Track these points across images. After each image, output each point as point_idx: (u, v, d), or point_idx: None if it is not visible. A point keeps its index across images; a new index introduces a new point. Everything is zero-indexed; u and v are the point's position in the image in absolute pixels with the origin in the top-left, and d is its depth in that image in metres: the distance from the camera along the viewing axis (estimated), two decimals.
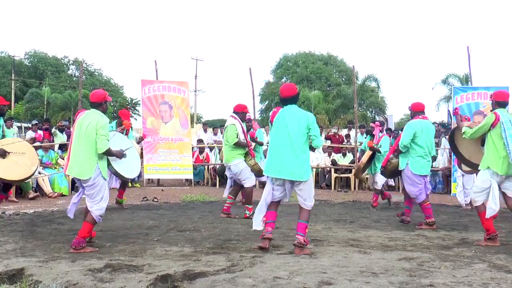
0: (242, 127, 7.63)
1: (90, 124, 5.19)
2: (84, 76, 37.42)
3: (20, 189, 10.58)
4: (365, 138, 10.47)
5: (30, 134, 13.50)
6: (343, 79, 43.86)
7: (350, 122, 16.58)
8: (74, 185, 11.75)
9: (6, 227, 6.65)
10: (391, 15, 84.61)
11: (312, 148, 5.32)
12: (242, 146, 7.56)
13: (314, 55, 45.70)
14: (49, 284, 3.83)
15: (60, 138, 13.40)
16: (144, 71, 66.95)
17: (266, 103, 42.77)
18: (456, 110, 6.74)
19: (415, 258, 4.77)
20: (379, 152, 8.64)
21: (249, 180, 7.59)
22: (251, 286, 3.74)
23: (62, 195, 10.95)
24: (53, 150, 12.25)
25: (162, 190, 11.84)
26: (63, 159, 12.36)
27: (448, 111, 19.03)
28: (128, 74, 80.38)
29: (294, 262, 4.57)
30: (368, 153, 8.71)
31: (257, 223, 5.26)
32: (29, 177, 6.82)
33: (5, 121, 14.67)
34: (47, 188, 10.84)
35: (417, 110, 7.11)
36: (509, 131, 5.39)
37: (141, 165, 6.47)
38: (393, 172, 7.55)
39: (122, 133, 7.39)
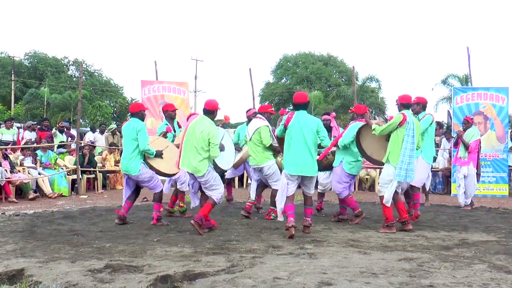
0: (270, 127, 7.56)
1: (203, 131, 6.16)
2: (84, 77, 37.38)
3: (20, 189, 10.58)
4: None
5: (29, 134, 13.51)
6: (343, 79, 43.83)
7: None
8: (74, 185, 11.77)
9: (6, 227, 6.65)
10: (391, 15, 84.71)
11: (320, 147, 6.35)
12: (274, 148, 7.42)
13: (314, 56, 45.65)
14: (49, 284, 3.84)
15: (60, 138, 13.41)
16: (144, 72, 66.79)
17: (266, 103, 42.81)
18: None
19: (415, 259, 4.77)
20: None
21: (279, 183, 7.49)
22: (251, 287, 3.75)
23: (62, 196, 10.95)
24: (52, 150, 12.25)
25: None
26: (62, 159, 12.38)
27: (448, 111, 19.03)
28: (128, 74, 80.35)
29: (294, 262, 4.58)
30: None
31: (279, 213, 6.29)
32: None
33: (4, 122, 14.74)
34: (47, 189, 10.84)
35: (360, 113, 7.37)
36: (411, 131, 6.29)
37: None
38: (326, 167, 7.59)
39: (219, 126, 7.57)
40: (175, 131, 8.02)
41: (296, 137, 6.05)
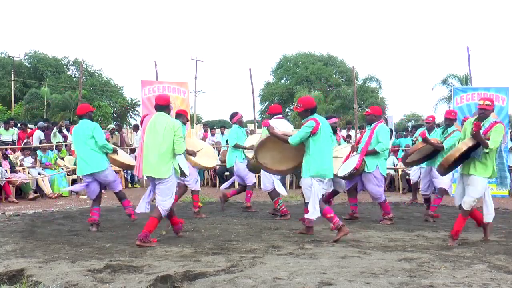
0: None
1: (166, 126, 5.55)
2: (84, 77, 37.38)
3: (20, 190, 10.58)
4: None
5: (40, 134, 13.49)
6: (343, 79, 43.84)
7: (348, 123, 17.01)
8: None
9: (6, 227, 6.65)
10: (391, 15, 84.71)
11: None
12: None
13: (314, 56, 45.69)
14: (49, 284, 3.84)
15: (59, 138, 13.41)
16: (144, 72, 66.79)
17: (266, 103, 42.76)
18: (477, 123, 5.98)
19: (415, 259, 4.77)
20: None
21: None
22: (251, 287, 3.75)
23: (62, 196, 10.95)
24: (51, 150, 12.24)
25: None
26: (62, 159, 12.38)
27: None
28: (128, 74, 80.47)
29: (294, 262, 4.58)
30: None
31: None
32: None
33: (5, 122, 14.71)
34: (47, 189, 10.84)
35: (379, 114, 7.46)
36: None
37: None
38: (359, 175, 7.40)
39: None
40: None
41: (326, 140, 5.87)
